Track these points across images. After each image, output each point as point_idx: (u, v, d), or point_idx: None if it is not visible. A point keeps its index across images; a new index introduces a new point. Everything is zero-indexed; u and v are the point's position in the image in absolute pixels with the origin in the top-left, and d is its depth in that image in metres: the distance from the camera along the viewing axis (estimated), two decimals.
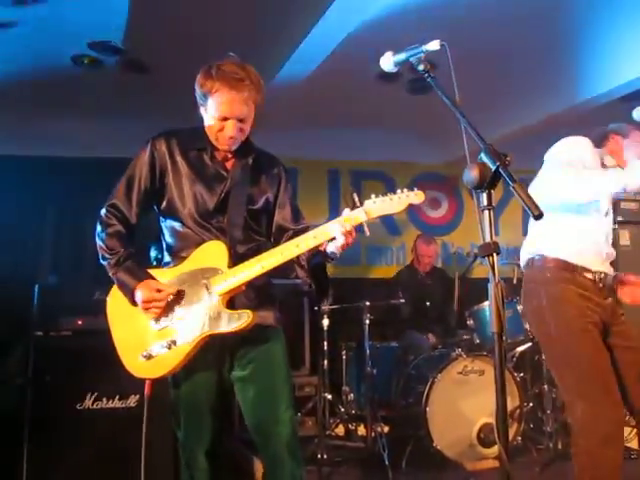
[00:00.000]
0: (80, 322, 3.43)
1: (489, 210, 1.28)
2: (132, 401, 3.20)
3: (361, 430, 4.15)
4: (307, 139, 5.27)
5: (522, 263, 2.66)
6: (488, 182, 1.28)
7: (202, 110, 2.06)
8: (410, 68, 4.12)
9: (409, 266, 5.19)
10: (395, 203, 1.90)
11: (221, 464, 2.12)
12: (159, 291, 1.96)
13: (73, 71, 4.18)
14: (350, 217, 1.89)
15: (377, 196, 1.91)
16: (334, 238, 1.90)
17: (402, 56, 1.67)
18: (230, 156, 2.13)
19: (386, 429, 3.98)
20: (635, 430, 3.65)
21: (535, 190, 2.53)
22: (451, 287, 4.90)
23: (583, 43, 4.09)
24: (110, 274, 2.04)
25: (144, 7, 3.43)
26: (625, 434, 3.63)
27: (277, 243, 2.14)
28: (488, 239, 1.25)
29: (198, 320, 1.95)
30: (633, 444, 3.72)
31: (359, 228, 1.92)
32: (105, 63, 4.13)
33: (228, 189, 2.08)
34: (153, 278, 2.01)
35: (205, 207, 2.06)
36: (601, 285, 2.50)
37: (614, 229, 3.99)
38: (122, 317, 2.07)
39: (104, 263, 2.05)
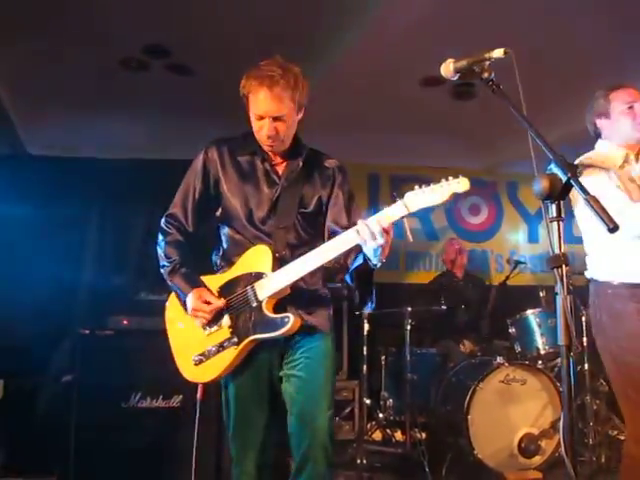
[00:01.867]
0: (125, 322, 3.51)
1: (558, 221, 1.26)
2: (175, 401, 3.25)
3: (399, 436, 4.15)
4: (348, 142, 5.27)
5: (587, 275, 2.63)
6: (558, 193, 1.27)
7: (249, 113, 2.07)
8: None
9: (446, 272, 5.17)
10: (438, 194, 1.77)
11: (269, 473, 2.11)
12: (207, 303, 2.00)
13: (121, 73, 4.26)
14: (382, 217, 1.81)
15: (419, 186, 1.79)
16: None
17: (464, 63, 1.65)
18: (281, 159, 2.12)
19: (424, 435, 3.96)
20: None
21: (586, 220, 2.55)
22: (485, 293, 4.87)
23: None
24: (167, 281, 2.10)
25: (189, 9, 3.47)
26: None
27: None
28: (557, 250, 1.24)
29: (244, 325, 1.98)
30: None
31: (399, 228, 1.86)
32: (152, 66, 4.20)
33: (279, 193, 2.08)
34: (205, 286, 2.05)
35: (257, 212, 2.06)
36: None
37: None
38: (178, 322, 2.12)
39: (162, 270, 2.11)
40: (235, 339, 1.99)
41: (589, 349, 4.05)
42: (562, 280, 1.20)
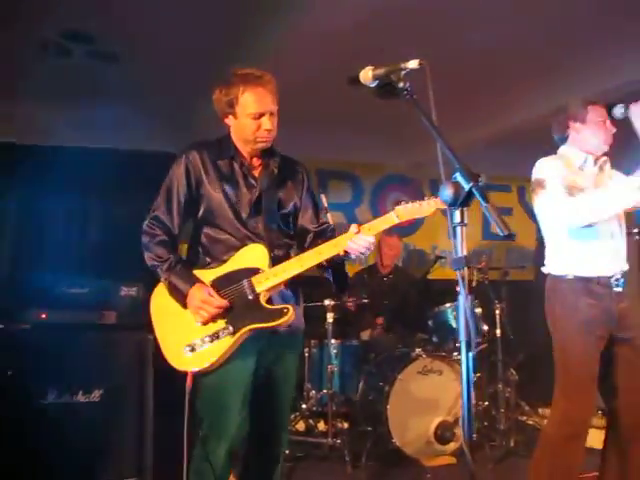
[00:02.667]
0: (44, 315, 3.42)
1: (461, 227, 1.36)
2: (96, 396, 3.21)
3: (322, 426, 4.23)
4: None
5: (544, 270, 2.81)
6: (462, 200, 1.37)
7: (228, 120, 2.21)
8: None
9: (371, 266, 5.28)
10: (424, 207, 2.09)
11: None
12: (211, 296, 2.08)
13: (40, 57, 4.12)
14: (374, 226, 2.12)
15: (407, 202, 2.14)
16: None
17: (382, 71, 1.73)
18: (257, 163, 2.27)
19: (346, 425, 4.07)
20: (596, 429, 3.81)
21: (543, 216, 2.75)
22: (411, 287, 5.04)
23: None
24: (162, 279, 2.18)
25: None
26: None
27: (300, 245, 2.30)
28: (460, 254, 1.33)
29: (241, 315, 2.10)
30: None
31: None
32: (74, 51, 4.09)
33: (258, 195, 2.22)
34: (202, 282, 2.13)
35: (240, 213, 2.19)
36: (618, 290, 2.64)
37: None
38: (167, 315, 2.19)
39: (155, 270, 2.19)
40: (231, 328, 2.08)
41: (501, 340, 4.29)
42: (463, 281, 1.29)
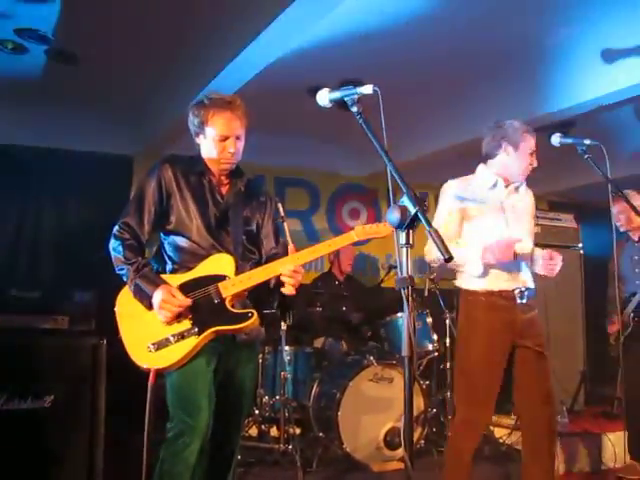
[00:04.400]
0: None
1: (407, 248, 1.44)
2: (47, 401, 3.18)
3: (274, 432, 4.27)
4: None
5: (456, 283, 2.98)
6: (408, 223, 1.45)
7: (199, 139, 2.35)
8: (339, 84, 4.29)
9: (327, 273, 5.36)
10: (381, 229, 2.27)
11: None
12: (173, 296, 2.16)
13: None
14: (332, 242, 2.27)
15: (365, 224, 2.32)
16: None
17: (337, 95, 1.82)
18: (225, 181, 2.40)
19: (298, 431, 4.12)
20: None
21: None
22: (365, 296, 5.14)
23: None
24: (128, 281, 2.23)
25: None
26: (515, 438, 4.05)
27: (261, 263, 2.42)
28: (405, 274, 1.41)
29: (206, 317, 2.18)
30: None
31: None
32: (32, 51, 4.05)
33: (224, 211, 2.35)
34: (168, 284, 2.21)
35: (209, 226, 2.31)
36: (522, 301, 2.81)
37: None
38: (132, 317, 2.24)
39: (121, 272, 2.26)
40: (196, 329, 2.16)
41: (451, 349, 4.42)
42: (407, 300, 1.37)
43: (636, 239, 4.27)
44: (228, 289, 2.21)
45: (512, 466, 3.92)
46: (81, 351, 3.34)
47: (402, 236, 1.45)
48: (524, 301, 2.82)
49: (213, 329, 2.17)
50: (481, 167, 2.97)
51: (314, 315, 4.61)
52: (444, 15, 3.64)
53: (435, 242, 1.39)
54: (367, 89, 1.73)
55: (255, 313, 2.18)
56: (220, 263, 2.27)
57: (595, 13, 3.60)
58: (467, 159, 3.07)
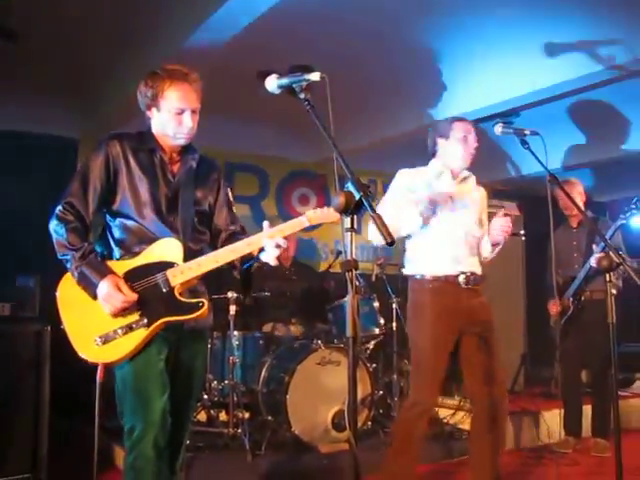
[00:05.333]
0: None
1: (351, 232, 1.49)
2: None
3: (223, 416, 4.29)
4: None
5: (404, 270, 3.08)
6: (352, 208, 1.50)
7: (151, 113, 2.22)
8: (289, 69, 4.28)
9: None
10: (332, 213, 2.16)
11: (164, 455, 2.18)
12: (119, 290, 2.06)
13: None
14: (285, 228, 2.16)
15: (316, 208, 2.23)
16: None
17: (285, 81, 1.84)
18: (176, 158, 2.28)
19: (247, 415, 4.15)
20: (468, 414, 4.14)
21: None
22: (313, 280, 5.19)
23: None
24: (72, 267, 2.10)
25: None
26: (458, 418, 4.20)
27: (213, 244, 2.33)
28: (349, 257, 1.46)
29: (155, 308, 2.10)
30: (465, 425, 4.20)
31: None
32: None
33: (175, 190, 2.23)
34: (114, 273, 2.10)
35: (158, 206, 2.19)
36: (469, 286, 2.91)
37: None
38: (76, 305, 2.13)
39: (64, 258, 2.12)
40: (145, 321, 2.08)
41: (397, 333, 4.53)
42: (351, 282, 1.42)
43: (574, 225, 4.46)
44: (176, 277, 2.12)
45: (455, 444, 4.07)
46: (24, 338, 3.28)
47: (347, 221, 1.49)
48: (470, 286, 2.92)
49: (162, 320, 2.10)
50: (432, 160, 3.10)
51: (262, 300, 4.63)
52: (392, 5, 3.69)
53: (377, 226, 1.44)
54: (315, 76, 1.75)
55: (205, 302, 2.12)
56: (168, 248, 2.16)
57: (539, 8, 3.71)
58: (417, 147, 3.16)
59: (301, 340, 4.30)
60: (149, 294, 2.11)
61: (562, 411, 4.42)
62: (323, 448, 3.81)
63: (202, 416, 4.35)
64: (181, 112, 2.17)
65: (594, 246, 4.02)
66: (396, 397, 4.44)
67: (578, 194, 4.40)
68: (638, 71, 4.09)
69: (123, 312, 2.08)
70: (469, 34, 4.05)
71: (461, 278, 2.91)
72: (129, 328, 2.08)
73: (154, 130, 2.25)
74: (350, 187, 1.51)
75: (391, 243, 1.43)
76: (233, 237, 2.35)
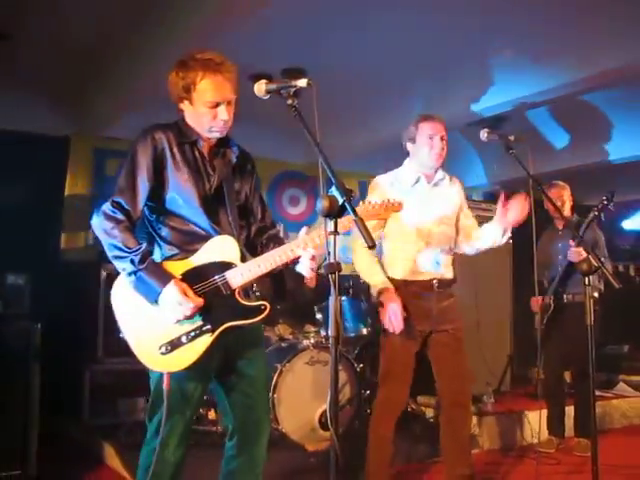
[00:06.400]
0: None
1: (335, 235, 1.54)
2: None
3: (212, 415, 4.32)
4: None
5: None
6: (336, 212, 1.55)
7: (184, 105, 2.09)
8: (281, 72, 4.33)
9: None
10: (383, 209, 2.08)
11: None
12: (187, 297, 1.96)
13: None
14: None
15: (364, 202, 2.07)
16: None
17: (273, 87, 1.89)
18: (215, 150, 2.17)
19: None
20: None
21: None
22: (302, 281, 5.22)
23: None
24: (127, 271, 1.98)
25: None
26: None
27: (252, 237, 2.29)
28: (332, 260, 1.51)
29: (218, 312, 2.01)
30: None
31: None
32: None
33: (218, 184, 2.13)
34: (176, 278, 1.99)
35: (205, 203, 2.08)
36: (440, 289, 2.98)
37: None
38: (134, 311, 2.03)
39: (118, 261, 1.99)
40: (209, 326, 1.99)
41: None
42: (335, 284, 1.47)
43: (560, 227, 4.54)
44: (237, 279, 2.02)
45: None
46: (14, 335, 3.31)
47: (330, 224, 1.54)
48: (441, 290, 2.99)
49: (227, 325, 2.00)
50: (407, 161, 3.14)
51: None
52: (383, 12, 3.73)
53: (360, 230, 1.50)
54: (302, 82, 1.80)
55: (267, 305, 2.03)
56: (224, 247, 2.05)
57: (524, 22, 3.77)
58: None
59: (290, 340, 4.35)
60: (210, 297, 2.00)
61: (545, 411, 4.50)
62: (310, 446, 3.85)
63: None
64: (216, 105, 2.04)
65: (570, 241, 4.09)
66: None
67: (561, 197, 4.47)
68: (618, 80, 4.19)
69: (187, 318, 1.98)
70: (460, 38, 4.11)
71: (434, 283, 2.98)
72: (194, 335, 1.98)
73: (189, 122, 2.12)
74: (334, 191, 1.56)
75: (372, 247, 1.48)
76: (264, 231, 2.30)
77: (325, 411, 3.94)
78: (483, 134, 2.80)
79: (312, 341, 4.09)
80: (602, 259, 3.53)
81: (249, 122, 5.59)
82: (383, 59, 4.30)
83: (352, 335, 4.46)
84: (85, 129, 5.43)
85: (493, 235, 3.04)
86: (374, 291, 2.97)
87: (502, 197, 2.95)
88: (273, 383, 3.83)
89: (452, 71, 4.53)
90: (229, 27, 3.62)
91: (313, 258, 2.01)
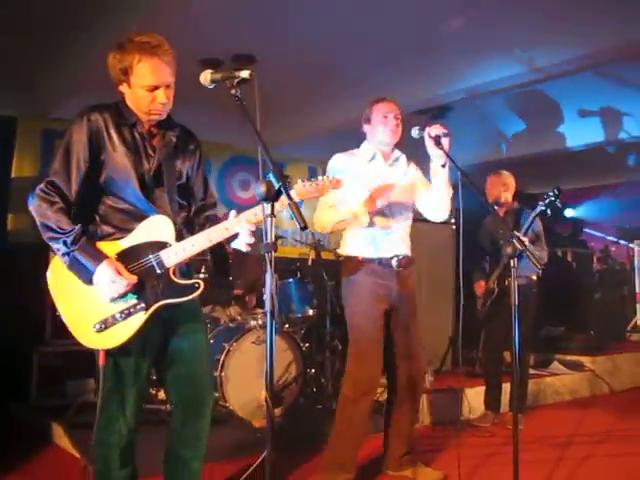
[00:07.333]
0: None
1: (271, 217, 1.66)
2: None
3: (161, 395, 4.39)
4: None
5: (339, 251, 3.26)
6: (273, 196, 1.67)
7: (123, 88, 2.11)
8: (231, 58, 4.38)
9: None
10: (320, 187, 2.07)
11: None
12: (120, 274, 2.00)
13: None
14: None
15: (304, 181, 2.07)
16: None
17: (218, 76, 1.97)
18: (155, 131, 2.19)
19: None
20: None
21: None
22: (249, 265, 5.33)
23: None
24: (61, 251, 2.01)
25: None
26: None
27: (192, 216, 2.32)
28: (269, 240, 1.63)
29: (152, 290, 2.06)
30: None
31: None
32: None
33: (158, 165, 2.15)
34: (109, 258, 2.03)
35: (143, 183, 2.11)
36: (400, 268, 3.08)
37: None
38: (70, 291, 2.07)
39: (52, 242, 2.02)
40: (143, 304, 2.04)
41: (330, 314, 4.73)
42: (270, 262, 1.59)
43: (502, 215, 4.76)
44: (171, 258, 2.06)
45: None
46: None
47: (267, 208, 1.66)
48: (401, 269, 3.11)
49: (160, 303, 2.06)
50: (364, 143, 3.27)
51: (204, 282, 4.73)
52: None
53: (292, 212, 1.62)
54: (245, 74, 1.90)
55: (201, 283, 2.09)
56: (159, 227, 2.10)
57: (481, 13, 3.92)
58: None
59: (238, 321, 4.45)
60: (144, 276, 2.05)
61: (483, 388, 4.75)
62: (256, 422, 3.97)
63: None
64: (154, 89, 2.06)
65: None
66: (328, 375, 4.65)
67: (502, 185, 4.68)
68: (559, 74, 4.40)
69: (121, 296, 2.03)
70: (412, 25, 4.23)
71: (394, 261, 3.09)
72: (128, 313, 2.03)
73: (129, 104, 2.13)
74: (271, 177, 1.67)
75: (304, 228, 1.61)
76: (205, 209, 2.34)
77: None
78: (414, 131, 2.88)
79: (259, 322, 4.21)
80: (529, 245, 3.76)
81: (199, 106, 5.66)
82: (336, 45, 4.40)
83: (299, 316, 4.60)
84: (33, 111, 5.37)
85: (436, 172, 3.01)
86: (351, 213, 2.96)
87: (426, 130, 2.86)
88: (221, 362, 3.94)
89: (404, 58, 4.63)
90: (180, 10, 3.66)
91: (251, 234, 2.08)
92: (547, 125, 6.37)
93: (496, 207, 4.74)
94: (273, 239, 1.63)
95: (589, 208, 9.64)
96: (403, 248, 3.17)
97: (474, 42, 4.28)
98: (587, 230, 9.29)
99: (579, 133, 6.34)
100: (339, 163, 3.14)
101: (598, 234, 9.00)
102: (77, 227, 2.03)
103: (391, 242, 3.13)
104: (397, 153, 3.26)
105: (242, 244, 2.11)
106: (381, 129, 3.12)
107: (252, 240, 2.09)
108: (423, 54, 4.56)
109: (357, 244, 3.14)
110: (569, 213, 9.66)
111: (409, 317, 3.18)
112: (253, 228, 2.08)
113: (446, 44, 4.35)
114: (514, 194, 4.76)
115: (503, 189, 4.65)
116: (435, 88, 5.12)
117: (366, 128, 3.21)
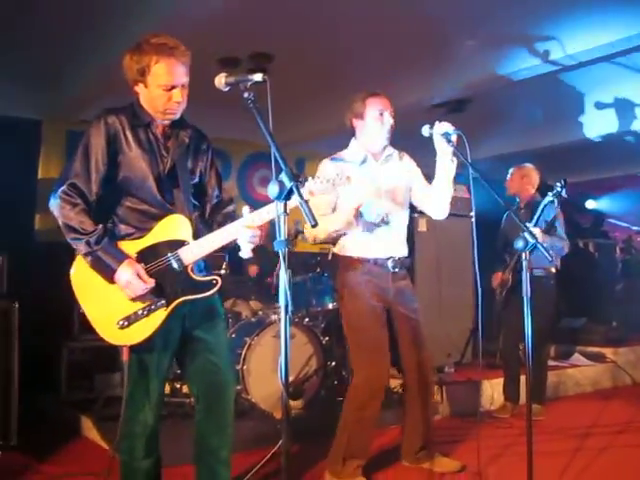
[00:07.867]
0: None
1: (285, 216, 1.73)
2: None
3: (185, 388, 4.50)
4: None
5: (334, 250, 3.19)
6: (285, 195, 1.73)
7: (138, 88, 2.19)
8: (249, 56, 4.44)
9: None
10: (330, 184, 2.12)
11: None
12: (140, 276, 2.10)
13: None
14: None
15: (314, 178, 2.12)
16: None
17: (232, 80, 2.04)
18: (169, 132, 2.27)
19: None
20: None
21: None
22: (272, 259, 5.40)
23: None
24: (84, 251, 2.10)
25: None
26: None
27: (210, 213, 2.41)
28: (282, 237, 1.70)
29: (171, 287, 2.15)
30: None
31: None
32: None
33: (172, 165, 2.23)
34: (130, 257, 2.12)
35: (159, 183, 2.20)
36: (396, 270, 3.06)
37: (413, 217, 4.78)
38: (93, 289, 2.16)
39: (75, 242, 2.11)
40: (163, 301, 2.14)
41: None
42: (284, 259, 1.66)
43: (522, 206, 4.77)
44: (189, 256, 2.15)
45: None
46: None
47: (280, 206, 1.73)
48: (397, 270, 3.08)
49: (180, 300, 2.15)
50: (353, 141, 3.16)
51: (223, 278, 4.83)
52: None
53: (304, 211, 1.69)
54: (258, 77, 1.96)
55: (219, 279, 2.18)
56: (176, 226, 2.18)
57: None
58: None
59: (258, 315, 4.53)
60: (164, 274, 2.14)
61: (502, 380, 4.77)
62: (278, 414, 4.05)
63: (166, 388, 4.54)
64: (170, 88, 2.14)
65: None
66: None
67: (523, 177, 4.70)
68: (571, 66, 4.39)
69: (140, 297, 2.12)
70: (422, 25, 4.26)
71: (390, 262, 3.06)
72: (149, 309, 2.12)
73: (144, 104, 2.21)
74: (283, 177, 1.74)
75: (314, 225, 1.68)
76: (220, 206, 2.41)
77: (292, 381, 4.15)
78: (425, 130, 2.78)
79: (279, 316, 4.26)
80: (543, 237, 3.77)
81: (219, 105, 5.74)
82: (352, 44, 4.44)
83: (319, 309, 4.67)
84: (58, 112, 5.49)
85: (443, 169, 2.95)
86: (346, 223, 2.93)
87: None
88: (242, 356, 4.03)
89: (423, 52, 4.64)
90: (200, 11, 3.73)
91: (261, 232, 2.18)
92: (567, 116, 6.34)
93: (517, 200, 4.76)
94: (287, 236, 1.69)
95: (612, 199, 9.54)
96: (399, 249, 3.13)
97: (492, 33, 4.29)
98: (611, 220, 9.20)
99: (599, 123, 6.30)
100: (329, 171, 2.93)
101: (622, 224, 8.90)
102: (99, 227, 2.12)
103: (387, 242, 3.08)
104: (389, 150, 3.14)
105: (247, 247, 2.21)
106: (377, 129, 3.00)
107: (257, 240, 2.20)
108: (441, 47, 4.57)
109: (352, 243, 3.08)
110: (590, 204, 9.57)
111: (409, 310, 3.13)
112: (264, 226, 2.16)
113: (464, 36, 4.37)
114: (538, 187, 4.75)
115: (525, 181, 4.67)
116: (453, 81, 5.13)
117: (356, 123, 3.06)
